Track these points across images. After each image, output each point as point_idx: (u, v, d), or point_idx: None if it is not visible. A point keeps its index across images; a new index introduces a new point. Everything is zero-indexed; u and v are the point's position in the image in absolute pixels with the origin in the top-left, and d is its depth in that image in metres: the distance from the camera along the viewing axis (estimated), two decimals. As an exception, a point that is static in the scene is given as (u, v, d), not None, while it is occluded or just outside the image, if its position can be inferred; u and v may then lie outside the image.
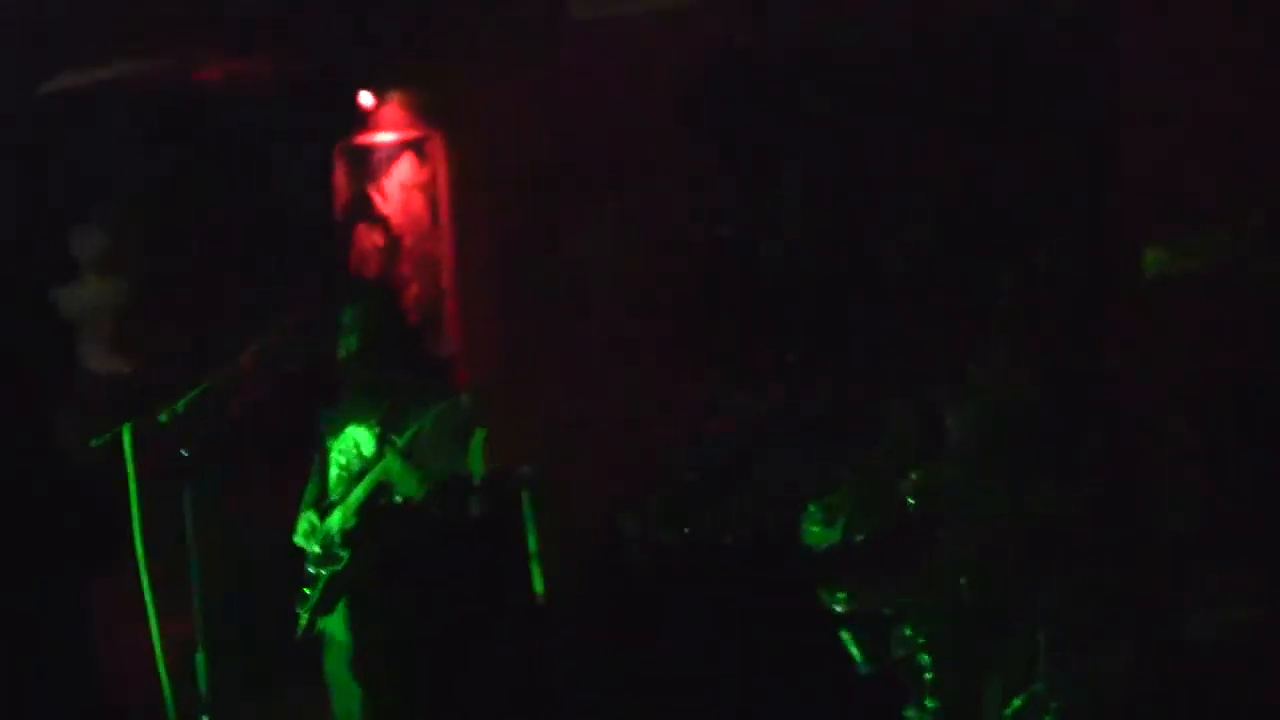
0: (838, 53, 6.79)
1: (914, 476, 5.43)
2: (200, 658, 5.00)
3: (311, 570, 5.56)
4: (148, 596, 4.96)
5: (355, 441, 5.53)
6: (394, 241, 8.57)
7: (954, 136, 6.60)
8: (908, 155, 6.73)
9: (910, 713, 5.36)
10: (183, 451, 4.99)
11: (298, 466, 5.82)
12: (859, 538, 5.51)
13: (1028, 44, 6.35)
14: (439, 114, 8.34)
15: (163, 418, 5.04)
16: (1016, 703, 5.24)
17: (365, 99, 8.42)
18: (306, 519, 5.60)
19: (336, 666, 5.56)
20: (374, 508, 5.39)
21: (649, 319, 7.39)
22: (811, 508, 5.65)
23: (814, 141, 7.03)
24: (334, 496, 5.54)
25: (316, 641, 5.60)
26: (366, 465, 5.46)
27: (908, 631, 5.38)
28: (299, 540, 5.59)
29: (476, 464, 5.66)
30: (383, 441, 5.43)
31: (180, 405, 5.06)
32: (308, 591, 5.54)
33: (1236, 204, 5.80)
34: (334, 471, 5.59)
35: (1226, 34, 5.78)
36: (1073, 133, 6.32)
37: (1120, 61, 6.17)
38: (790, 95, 7.05)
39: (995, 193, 6.51)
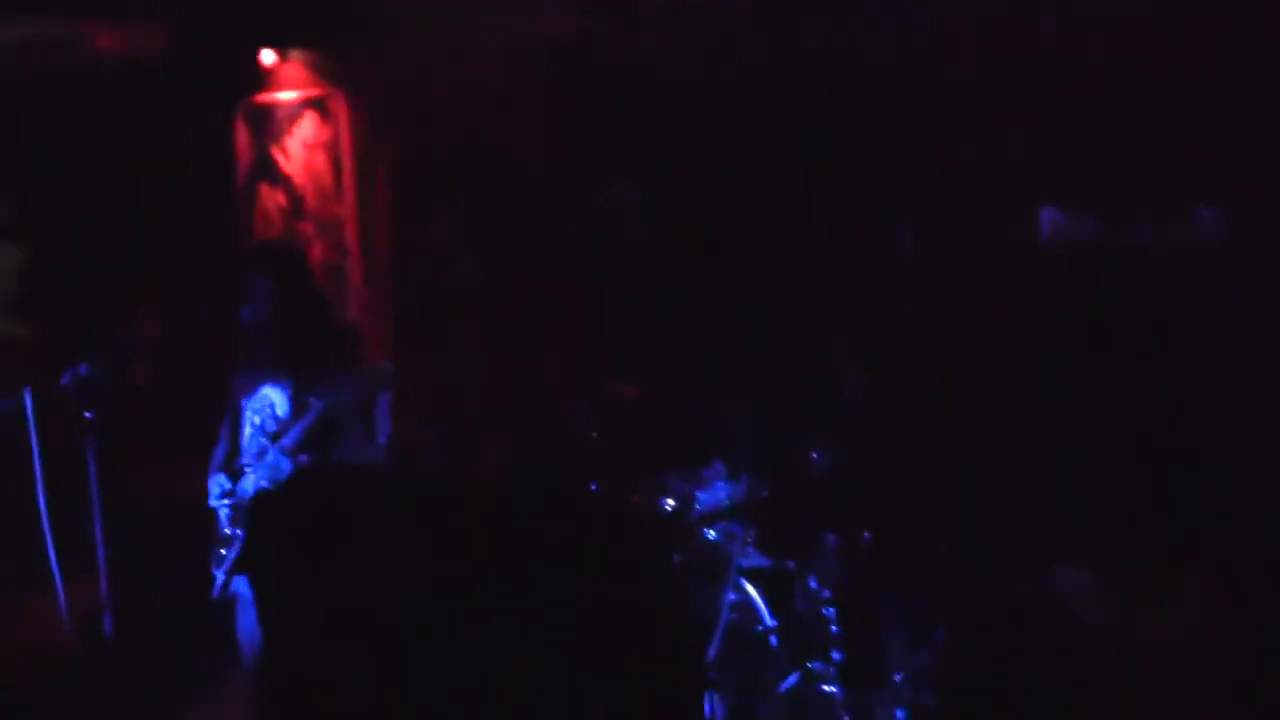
0: (705, 69, 6.95)
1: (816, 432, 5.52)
2: (108, 619, 4.97)
3: (226, 531, 5.54)
4: (53, 560, 4.91)
5: (270, 401, 5.52)
6: (297, 202, 8.51)
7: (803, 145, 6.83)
8: (765, 162, 6.94)
9: (815, 666, 5.44)
10: (86, 414, 4.95)
11: (205, 428, 5.80)
12: (763, 493, 5.58)
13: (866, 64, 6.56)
14: (342, 71, 8.29)
15: (65, 379, 4.99)
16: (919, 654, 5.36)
17: (267, 57, 8.34)
18: (218, 481, 5.57)
19: (249, 626, 5.56)
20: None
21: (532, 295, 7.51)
22: (717, 463, 5.73)
23: (680, 145, 7.20)
24: (248, 457, 5.53)
25: (230, 601, 5.59)
26: (280, 426, 5.46)
27: (812, 585, 5.47)
28: (212, 502, 5.57)
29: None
30: (298, 402, 5.43)
31: (82, 366, 5.01)
32: (223, 552, 5.53)
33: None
34: (248, 431, 5.57)
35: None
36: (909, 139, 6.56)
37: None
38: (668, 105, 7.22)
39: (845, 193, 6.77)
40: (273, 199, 8.58)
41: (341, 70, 8.25)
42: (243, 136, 8.64)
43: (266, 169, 8.58)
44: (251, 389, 5.57)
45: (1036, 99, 6.08)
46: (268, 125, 8.55)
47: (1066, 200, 6.04)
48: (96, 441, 4.98)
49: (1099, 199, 6.00)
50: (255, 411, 5.54)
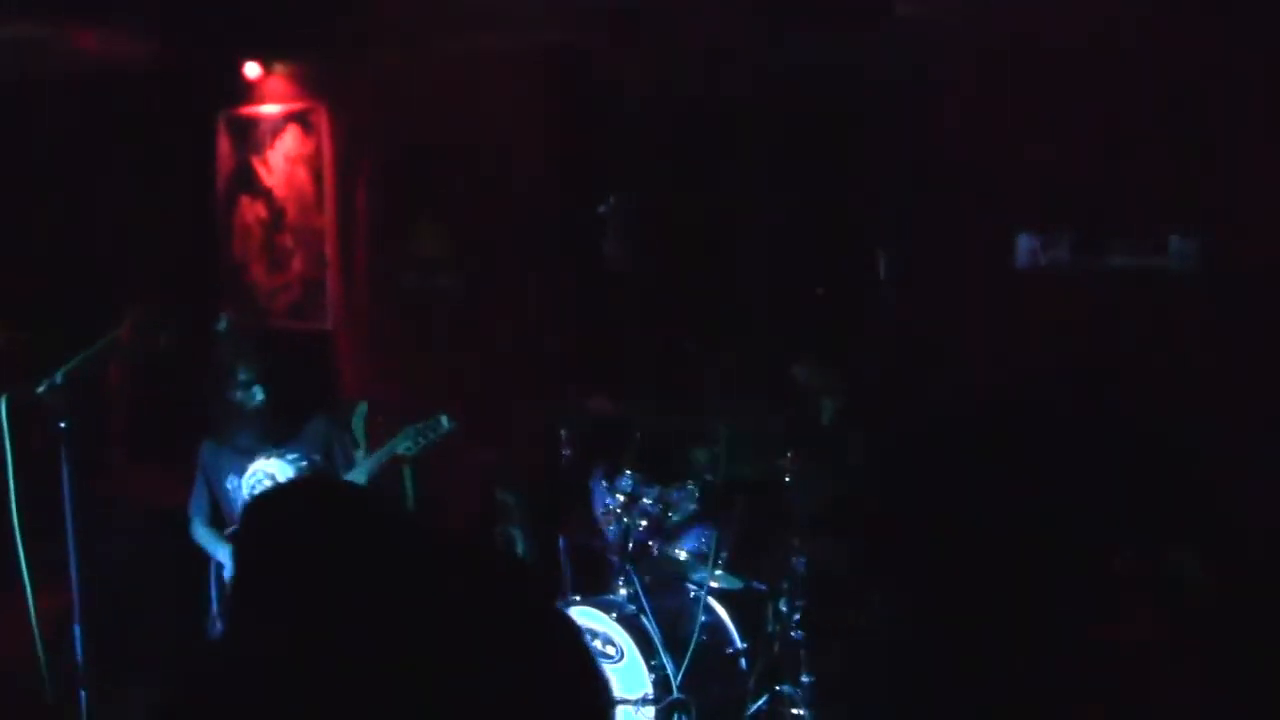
0: (688, 82, 6.98)
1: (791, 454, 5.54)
2: (77, 630, 4.95)
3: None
4: (24, 569, 4.90)
5: (269, 473, 5.51)
6: (277, 214, 8.52)
7: (788, 162, 6.86)
8: (748, 179, 6.97)
9: (785, 688, 5.45)
10: (61, 424, 4.94)
11: (177, 440, 5.79)
12: (734, 515, 5.60)
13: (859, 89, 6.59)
14: (325, 85, 8.30)
15: (40, 389, 4.98)
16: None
17: (250, 69, 8.35)
18: (209, 531, 5.59)
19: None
20: None
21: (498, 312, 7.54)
22: (688, 485, 5.74)
23: (663, 160, 7.23)
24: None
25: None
26: None
27: (782, 607, 5.48)
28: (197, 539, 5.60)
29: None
30: (305, 468, 5.47)
31: (58, 376, 5.00)
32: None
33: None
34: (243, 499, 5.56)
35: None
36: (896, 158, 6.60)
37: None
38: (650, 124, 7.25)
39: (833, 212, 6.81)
40: (252, 211, 8.58)
41: (324, 84, 8.27)
42: (224, 146, 8.64)
43: (247, 180, 8.58)
44: (238, 465, 5.55)
45: (1023, 123, 6.11)
46: (250, 137, 8.56)
47: (1043, 226, 6.08)
48: (70, 451, 4.96)
49: (1076, 224, 6.04)
50: (251, 488, 5.52)
